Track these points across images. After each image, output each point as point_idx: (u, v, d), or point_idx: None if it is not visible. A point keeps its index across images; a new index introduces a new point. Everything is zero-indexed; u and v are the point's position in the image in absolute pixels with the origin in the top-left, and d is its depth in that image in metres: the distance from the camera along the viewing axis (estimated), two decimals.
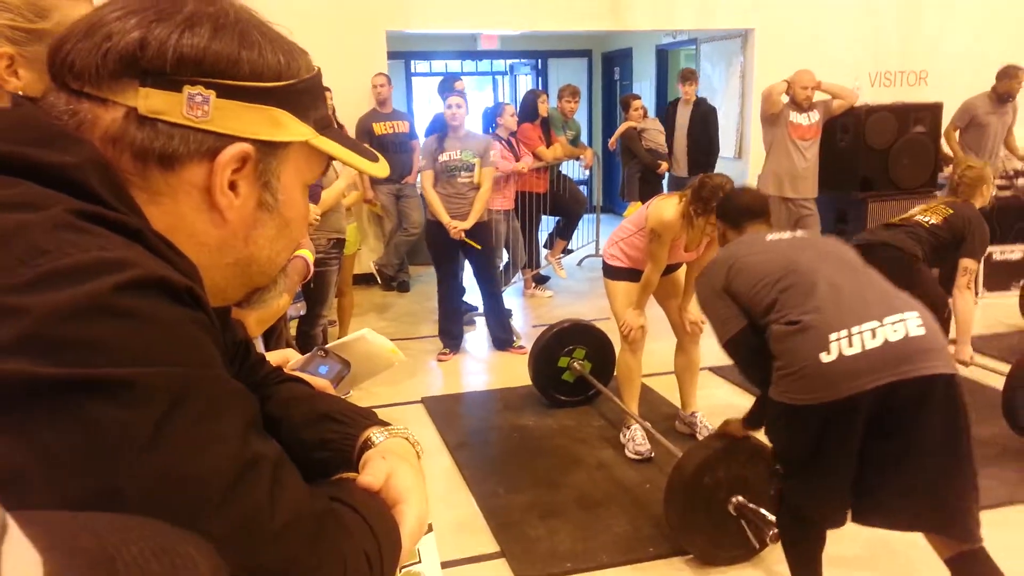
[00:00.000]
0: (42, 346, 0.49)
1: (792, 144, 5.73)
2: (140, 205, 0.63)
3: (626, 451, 3.67)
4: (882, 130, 6.21)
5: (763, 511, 2.69)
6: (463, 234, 4.81)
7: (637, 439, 3.66)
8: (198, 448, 0.54)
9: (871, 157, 6.19)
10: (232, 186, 0.66)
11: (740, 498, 2.76)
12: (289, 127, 0.68)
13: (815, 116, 5.78)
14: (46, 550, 0.33)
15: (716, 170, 7.76)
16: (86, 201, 0.57)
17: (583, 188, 8.07)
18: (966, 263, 3.74)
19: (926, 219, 3.86)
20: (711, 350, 4.24)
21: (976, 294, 6.03)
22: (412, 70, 10.17)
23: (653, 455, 3.59)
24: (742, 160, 7.72)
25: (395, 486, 0.77)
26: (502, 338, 5.19)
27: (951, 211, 3.83)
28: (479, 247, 4.91)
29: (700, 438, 3.66)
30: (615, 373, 3.86)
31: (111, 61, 0.62)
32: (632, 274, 3.65)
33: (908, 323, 2.10)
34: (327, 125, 0.73)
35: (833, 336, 2.10)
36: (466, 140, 4.85)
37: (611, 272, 3.75)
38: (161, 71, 0.62)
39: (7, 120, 0.63)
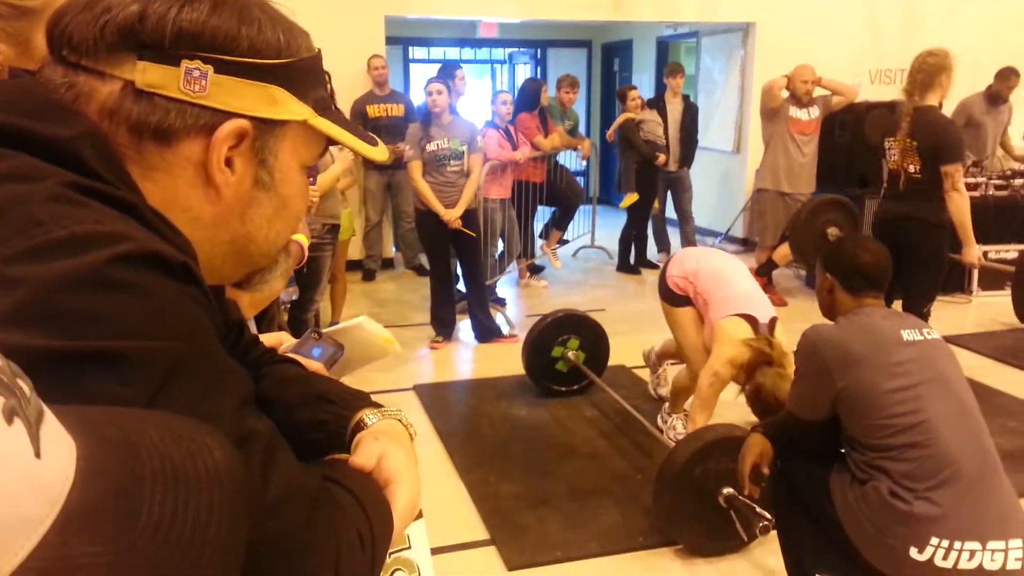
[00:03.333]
0: (37, 317, 0.49)
1: (791, 139, 5.72)
2: (136, 180, 0.63)
3: (666, 435, 3.56)
4: (880, 127, 6.18)
5: (754, 504, 2.69)
6: (460, 223, 4.79)
7: (678, 428, 3.63)
8: None
9: (869, 154, 6.17)
10: (228, 163, 0.66)
11: (730, 490, 2.75)
12: (287, 106, 0.67)
13: (815, 111, 5.77)
14: (78, 436, 0.36)
15: (712, 164, 7.75)
16: (81, 175, 0.57)
17: (580, 179, 8.05)
18: (946, 169, 3.80)
19: (912, 169, 3.89)
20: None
21: (971, 293, 6.06)
22: (410, 56, 10.11)
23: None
24: (740, 154, 7.71)
25: (387, 467, 0.77)
26: (487, 328, 5.18)
27: (915, 142, 3.86)
28: (473, 234, 4.89)
29: (668, 433, 3.62)
30: (673, 379, 3.73)
31: (109, 33, 0.61)
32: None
33: (1009, 554, 1.98)
34: (327, 107, 0.72)
35: (934, 541, 1.98)
36: (452, 128, 4.81)
37: (671, 298, 3.42)
38: (159, 45, 0.61)
39: (4, 92, 0.63)
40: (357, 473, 0.76)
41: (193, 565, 0.36)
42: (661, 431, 3.66)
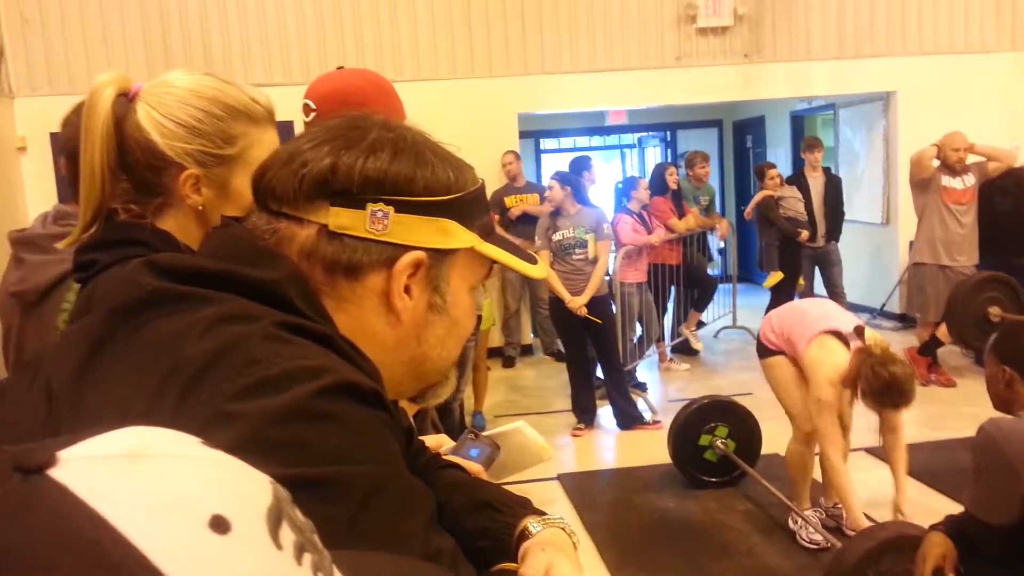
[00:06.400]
0: (257, 448, 0.54)
1: (946, 209, 5.41)
2: (330, 312, 0.70)
3: (798, 538, 3.43)
4: None
5: None
6: (585, 310, 4.81)
7: (809, 528, 3.41)
8: (388, 542, 0.58)
9: None
10: (407, 290, 0.72)
11: None
12: (457, 235, 0.74)
13: (970, 179, 5.44)
14: None
15: (861, 237, 7.44)
16: (287, 312, 0.65)
17: (719, 257, 7.94)
18: None
19: None
20: (865, 427, 3.94)
21: None
22: (541, 147, 10.44)
23: (830, 545, 3.24)
24: (891, 226, 7.35)
25: None
26: (628, 415, 5.08)
27: None
28: (599, 321, 4.88)
29: (845, 527, 3.39)
30: (786, 459, 3.57)
31: (306, 185, 0.70)
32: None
33: None
34: (490, 231, 0.78)
35: None
36: (577, 217, 4.91)
37: (764, 350, 3.48)
38: (349, 191, 0.69)
39: (218, 240, 0.73)
40: None
41: None
42: (797, 536, 3.44)
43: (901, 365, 2.93)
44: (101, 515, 0.30)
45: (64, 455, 0.32)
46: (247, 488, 0.35)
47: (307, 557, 0.35)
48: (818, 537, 3.36)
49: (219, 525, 0.31)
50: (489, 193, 6.90)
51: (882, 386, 2.88)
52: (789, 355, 3.35)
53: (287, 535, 0.34)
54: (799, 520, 3.48)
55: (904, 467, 3.25)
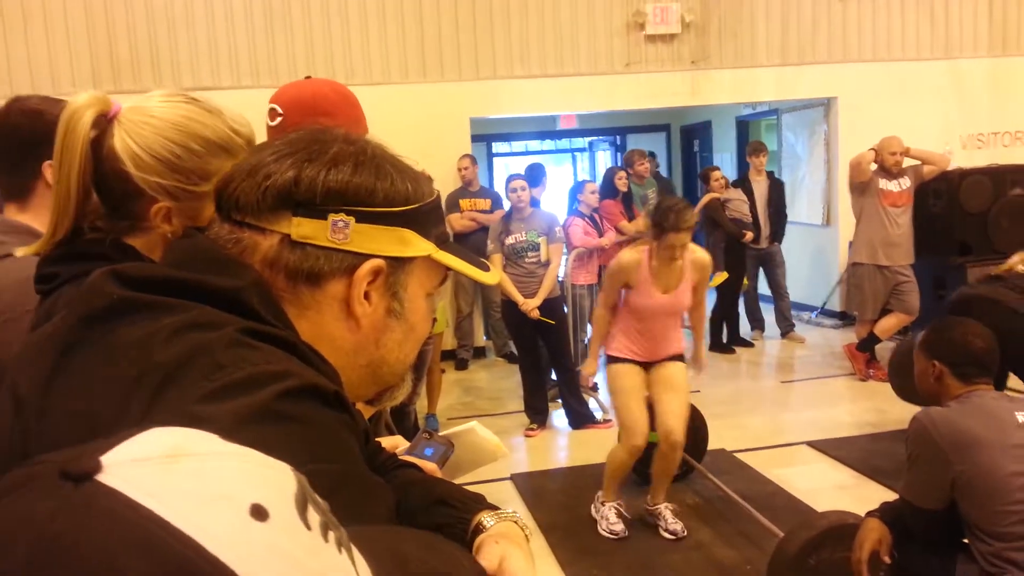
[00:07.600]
0: None
1: (884, 211, 5.62)
2: (291, 319, 0.73)
3: (599, 528, 3.66)
4: (978, 194, 6.04)
5: None
6: (538, 312, 4.88)
7: (611, 518, 3.65)
8: None
9: (968, 221, 6.00)
10: (366, 296, 0.75)
11: None
12: (415, 244, 0.77)
13: (906, 182, 5.66)
14: (365, 554, 0.41)
15: (803, 238, 7.67)
16: (250, 319, 0.67)
17: None
18: None
19: None
20: (807, 421, 4.10)
21: None
22: (493, 151, 10.49)
23: (685, 534, 3.55)
24: (831, 227, 7.59)
25: (508, 570, 0.81)
26: (580, 415, 5.17)
27: None
28: (552, 323, 4.96)
29: (663, 529, 3.60)
30: (607, 459, 3.73)
31: (270, 197, 0.73)
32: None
33: None
34: (446, 240, 0.82)
35: None
36: (530, 221, 4.98)
37: (609, 358, 3.74)
38: (311, 203, 0.72)
39: (182, 250, 0.76)
40: None
41: None
42: (599, 527, 3.69)
43: (679, 199, 3.53)
44: (158, 515, 0.32)
45: (107, 460, 0.34)
46: (274, 476, 0.38)
47: (331, 534, 0.37)
48: (617, 528, 3.61)
49: (259, 513, 0.34)
50: (442, 196, 7.06)
51: (660, 211, 3.40)
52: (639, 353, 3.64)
53: (313, 516, 0.37)
54: (600, 511, 3.71)
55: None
